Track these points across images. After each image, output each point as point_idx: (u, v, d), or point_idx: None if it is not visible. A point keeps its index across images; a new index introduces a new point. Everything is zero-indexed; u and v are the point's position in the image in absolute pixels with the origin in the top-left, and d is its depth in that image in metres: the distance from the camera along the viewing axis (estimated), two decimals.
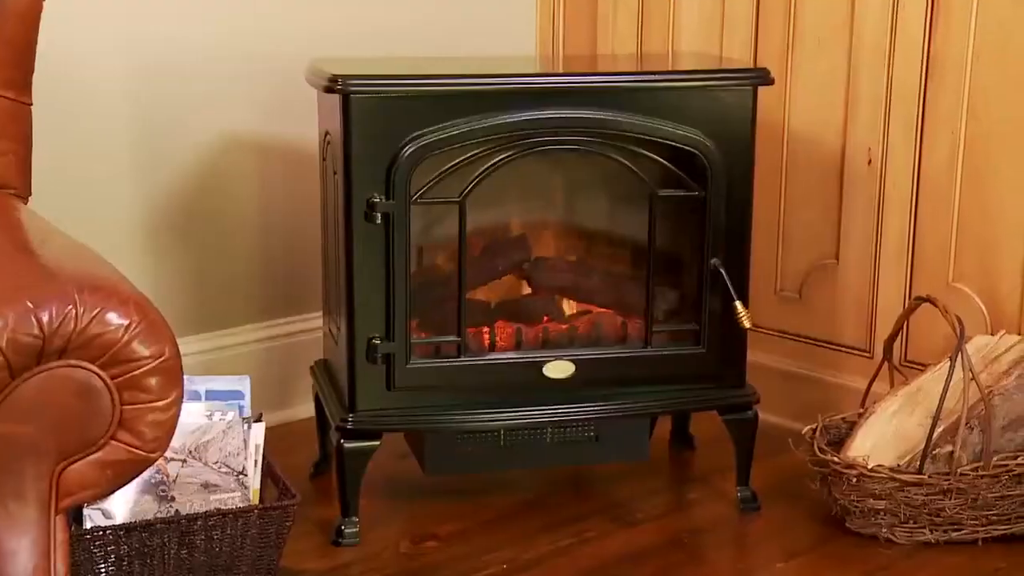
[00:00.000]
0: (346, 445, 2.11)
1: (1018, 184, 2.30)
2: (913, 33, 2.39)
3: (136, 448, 1.43)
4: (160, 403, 1.43)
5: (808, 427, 2.24)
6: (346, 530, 2.13)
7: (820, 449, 2.17)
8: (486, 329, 2.18)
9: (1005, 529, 2.13)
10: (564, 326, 2.22)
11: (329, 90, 2.03)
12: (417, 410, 2.13)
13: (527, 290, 2.30)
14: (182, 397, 1.45)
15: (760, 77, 2.17)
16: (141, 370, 1.40)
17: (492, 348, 2.17)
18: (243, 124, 2.56)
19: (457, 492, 2.32)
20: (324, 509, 2.23)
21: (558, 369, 2.16)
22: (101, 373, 1.40)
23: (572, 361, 2.16)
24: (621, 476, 2.38)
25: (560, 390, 2.16)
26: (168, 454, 1.90)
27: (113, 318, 1.39)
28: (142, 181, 2.47)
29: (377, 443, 2.13)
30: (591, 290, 2.29)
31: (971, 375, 2.07)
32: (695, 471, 2.47)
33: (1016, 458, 2.10)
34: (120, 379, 1.40)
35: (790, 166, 2.62)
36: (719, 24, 2.68)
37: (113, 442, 1.42)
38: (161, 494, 1.92)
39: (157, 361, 1.41)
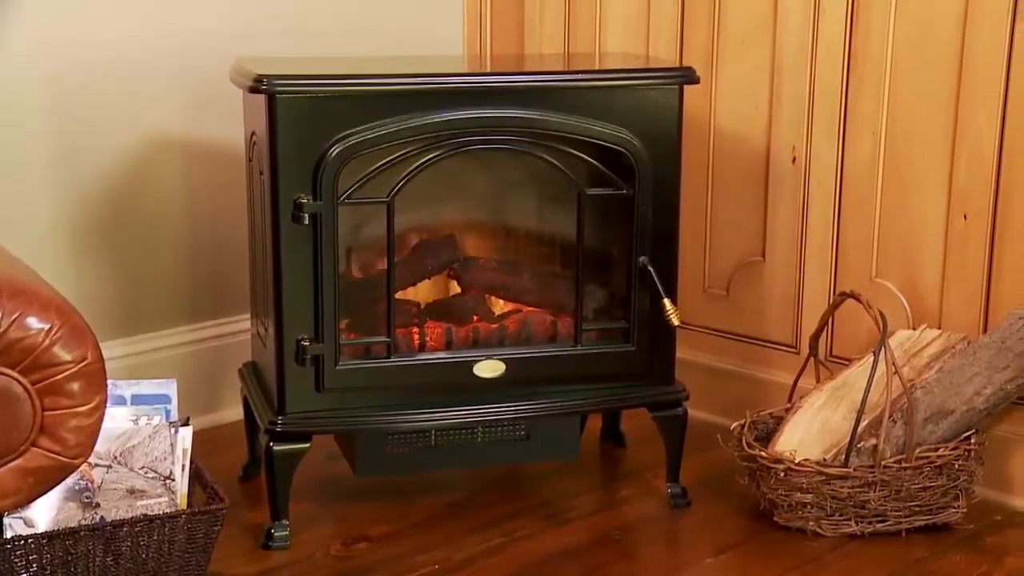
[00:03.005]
0: (275, 448, 2.09)
1: (937, 181, 2.34)
2: (834, 34, 2.42)
3: (58, 454, 1.42)
4: (83, 408, 1.41)
5: (736, 423, 2.27)
6: (276, 533, 2.12)
7: (748, 444, 2.19)
8: (416, 329, 2.18)
9: (927, 519, 2.17)
10: (494, 325, 2.22)
11: (254, 90, 2.01)
12: (347, 411, 2.12)
13: (456, 290, 2.30)
14: (105, 402, 1.43)
15: (686, 76, 2.18)
16: (63, 375, 1.39)
17: (422, 348, 2.17)
18: (167, 124, 2.53)
19: (388, 493, 2.31)
20: (254, 513, 2.21)
21: (488, 368, 2.16)
22: (21, 379, 1.38)
23: (502, 360, 2.16)
24: (552, 474, 2.39)
25: (490, 389, 2.17)
26: (93, 459, 1.87)
27: (33, 322, 1.37)
28: (64, 183, 2.42)
29: (307, 445, 2.11)
30: (520, 289, 2.30)
31: (894, 369, 2.11)
32: (626, 468, 2.48)
33: (937, 450, 2.14)
34: (41, 384, 1.38)
35: (716, 165, 2.65)
36: (645, 24, 2.70)
37: (34, 448, 1.40)
38: (85, 501, 1.89)
39: (79, 365, 1.39)
